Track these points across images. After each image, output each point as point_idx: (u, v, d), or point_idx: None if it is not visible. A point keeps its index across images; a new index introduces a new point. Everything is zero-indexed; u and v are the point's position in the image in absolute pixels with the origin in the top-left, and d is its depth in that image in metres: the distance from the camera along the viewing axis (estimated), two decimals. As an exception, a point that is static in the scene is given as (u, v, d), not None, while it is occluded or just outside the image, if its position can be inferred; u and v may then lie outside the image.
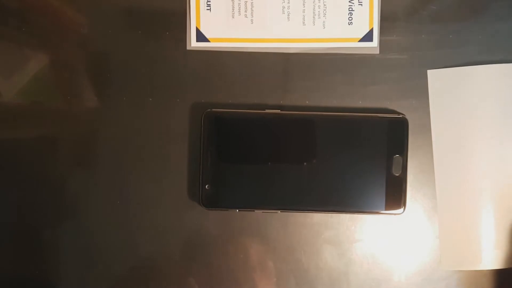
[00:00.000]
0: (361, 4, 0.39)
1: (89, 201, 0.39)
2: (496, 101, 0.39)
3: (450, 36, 0.39)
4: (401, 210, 0.38)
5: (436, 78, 0.39)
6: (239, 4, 0.39)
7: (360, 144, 0.38)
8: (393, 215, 0.39)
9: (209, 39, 0.39)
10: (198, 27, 0.39)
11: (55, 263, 0.40)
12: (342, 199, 0.38)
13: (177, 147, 0.39)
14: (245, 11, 0.39)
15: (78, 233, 0.39)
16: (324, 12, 0.39)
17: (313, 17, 0.39)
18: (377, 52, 0.39)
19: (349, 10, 0.39)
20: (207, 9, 0.39)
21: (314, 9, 0.39)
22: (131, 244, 0.40)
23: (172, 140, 0.39)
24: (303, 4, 0.39)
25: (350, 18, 0.39)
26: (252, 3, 0.39)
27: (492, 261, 0.39)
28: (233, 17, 0.39)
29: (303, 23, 0.39)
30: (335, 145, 0.38)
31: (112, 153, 0.39)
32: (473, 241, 0.39)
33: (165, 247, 0.40)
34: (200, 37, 0.39)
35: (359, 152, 0.38)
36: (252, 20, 0.39)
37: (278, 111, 0.38)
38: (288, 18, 0.39)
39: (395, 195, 0.38)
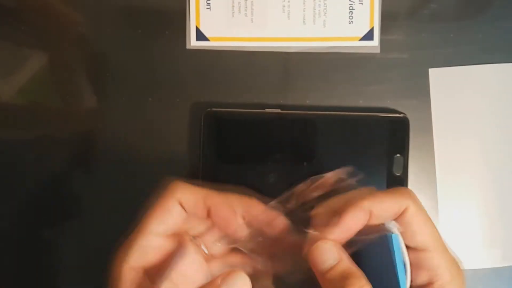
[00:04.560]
0: (362, 3, 0.39)
1: (89, 201, 0.39)
2: (498, 101, 0.39)
3: (451, 35, 0.39)
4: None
5: (438, 77, 0.39)
6: (239, 3, 0.39)
7: (360, 143, 0.38)
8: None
9: (209, 38, 0.39)
10: (198, 26, 0.39)
11: (55, 263, 0.40)
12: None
13: (177, 147, 0.39)
14: (245, 10, 0.39)
15: (78, 233, 0.39)
16: (325, 11, 0.39)
17: (314, 16, 0.39)
18: (378, 51, 0.39)
19: (349, 9, 0.39)
20: (207, 8, 0.39)
21: (314, 8, 0.39)
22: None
23: (172, 140, 0.39)
24: (303, 3, 0.39)
25: (350, 17, 0.39)
26: (252, 2, 0.39)
27: (495, 259, 0.39)
28: (233, 16, 0.39)
29: (303, 22, 0.39)
30: (336, 144, 0.38)
31: (112, 153, 0.39)
32: (474, 240, 0.39)
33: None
34: (200, 36, 0.39)
35: (360, 151, 0.38)
36: (252, 19, 0.39)
37: (278, 110, 0.38)
38: (288, 17, 0.39)
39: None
